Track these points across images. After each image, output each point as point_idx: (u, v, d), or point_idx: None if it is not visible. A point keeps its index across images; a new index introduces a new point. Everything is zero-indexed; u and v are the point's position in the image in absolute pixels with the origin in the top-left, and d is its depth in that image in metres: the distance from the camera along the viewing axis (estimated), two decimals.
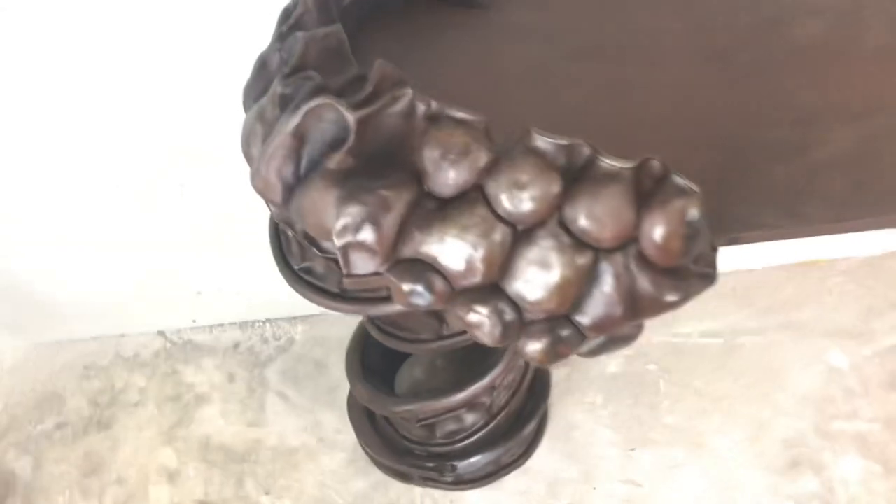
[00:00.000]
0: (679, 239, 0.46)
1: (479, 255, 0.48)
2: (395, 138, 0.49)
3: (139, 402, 1.29)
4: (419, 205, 0.49)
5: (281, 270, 0.68)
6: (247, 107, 0.60)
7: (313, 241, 0.58)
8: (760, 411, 1.13)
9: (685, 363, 1.19)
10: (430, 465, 1.07)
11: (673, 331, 1.21)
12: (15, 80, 0.89)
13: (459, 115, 0.48)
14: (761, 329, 1.21)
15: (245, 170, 0.60)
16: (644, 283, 0.48)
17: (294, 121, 0.50)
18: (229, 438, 1.22)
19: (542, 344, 0.50)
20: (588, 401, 1.17)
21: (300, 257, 0.67)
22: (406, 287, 0.50)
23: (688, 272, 0.49)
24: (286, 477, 1.16)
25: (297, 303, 0.80)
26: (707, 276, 0.50)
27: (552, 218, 0.47)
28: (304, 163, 0.52)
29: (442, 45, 0.65)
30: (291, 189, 0.52)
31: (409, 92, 0.48)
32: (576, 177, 0.47)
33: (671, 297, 0.49)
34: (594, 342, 0.52)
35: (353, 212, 0.48)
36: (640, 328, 0.53)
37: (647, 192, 0.46)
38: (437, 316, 0.78)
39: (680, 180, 0.46)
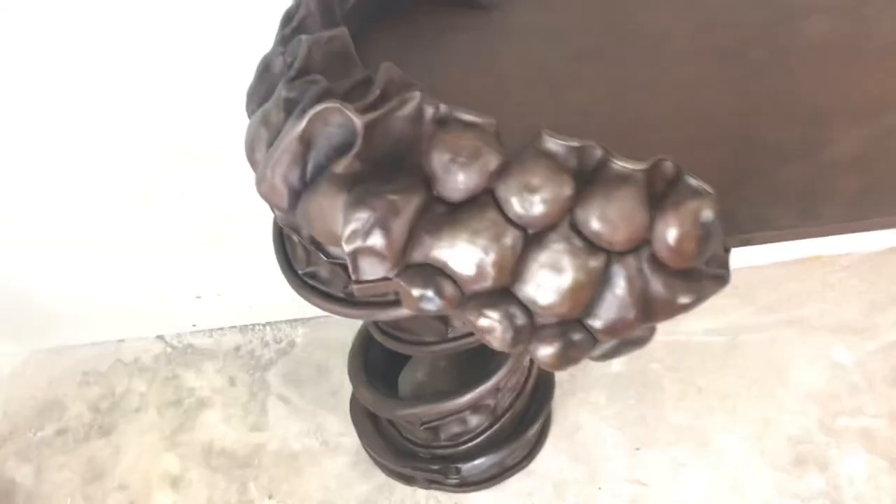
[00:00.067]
0: (693, 241, 0.45)
1: (489, 259, 0.47)
2: (402, 142, 0.49)
3: (140, 407, 1.28)
4: (428, 209, 0.48)
5: (285, 275, 0.67)
6: (250, 111, 0.59)
7: (320, 247, 0.58)
8: (765, 409, 1.12)
9: (689, 361, 1.18)
10: (435, 467, 1.06)
11: (676, 329, 1.21)
12: (15, 80, 0.88)
13: (468, 117, 0.47)
14: (765, 326, 1.21)
15: (245, 171, 0.59)
16: (657, 285, 0.47)
17: (300, 125, 0.49)
18: (232, 443, 1.21)
19: (554, 348, 0.50)
20: (592, 401, 1.17)
21: (305, 262, 0.66)
22: (416, 292, 0.49)
23: (701, 274, 0.48)
24: (289, 481, 1.16)
25: (297, 305, 0.80)
26: (720, 277, 0.49)
27: (564, 221, 0.47)
28: (310, 168, 0.51)
29: (445, 46, 0.65)
30: (298, 194, 0.52)
31: (417, 95, 0.48)
32: (587, 179, 0.46)
33: (684, 300, 0.48)
34: (606, 346, 0.51)
35: (361, 217, 0.48)
36: (652, 331, 0.52)
37: (659, 194, 0.46)
38: (442, 318, 0.78)
39: (693, 181, 0.45)
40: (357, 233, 0.48)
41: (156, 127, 0.96)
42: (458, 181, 0.47)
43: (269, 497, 1.14)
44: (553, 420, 1.15)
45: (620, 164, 0.46)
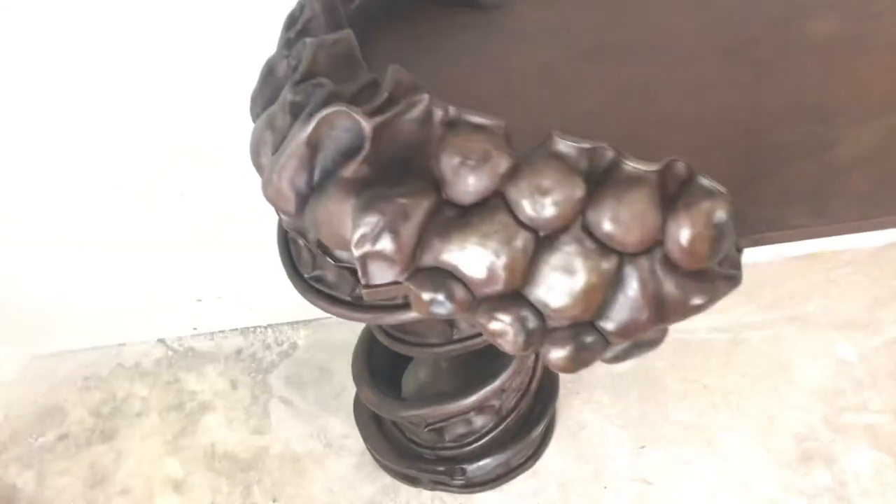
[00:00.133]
0: (706, 241, 0.45)
1: (501, 262, 0.47)
2: (411, 145, 0.48)
3: (141, 411, 1.27)
4: (438, 212, 0.48)
5: (291, 279, 0.67)
6: (254, 114, 0.58)
7: (327, 251, 0.57)
8: (769, 406, 1.12)
9: (692, 359, 1.18)
10: (440, 468, 1.06)
11: (679, 326, 1.19)
12: (15, 80, 0.88)
13: (478, 120, 0.47)
14: (768, 323, 1.21)
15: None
16: (670, 286, 0.47)
17: (307, 129, 0.49)
18: (234, 446, 1.21)
19: (566, 351, 0.49)
20: (596, 400, 1.17)
21: (311, 265, 0.65)
22: (426, 296, 0.49)
23: (713, 274, 0.48)
24: (293, 484, 1.15)
25: (298, 307, 0.79)
26: (732, 277, 0.49)
27: (575, 223, 0.46)
28: (317, 172, 0.50)
29: (449, 47, 0.64)
30: (305, 199, 0.51)
31: (425, 97, 0.47)
32: (599, 180, 0.46)
33: (697, 300, 0.48)
34: (618, 348, 0.51)
35: (370, 221, 0.47)
36: (664, 332, 0.52)
37: (671, 195, 0.45)
38: (448, 321, 0.77)
39: (706, 181, 0.45)
40: (366, 237, 0.47)
41: (156, 127, 0.96)
42: (469, 184, 0.47)
43: (273, 500, 1.14)
44: (557, 420, 1.15)
45: (632, 166, 0.45)
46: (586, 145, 0.45)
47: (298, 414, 1.23)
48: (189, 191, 1.06)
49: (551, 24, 0.65)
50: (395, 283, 0.49)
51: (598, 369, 1.19)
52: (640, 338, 0.51)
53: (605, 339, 0.49)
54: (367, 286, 0.50)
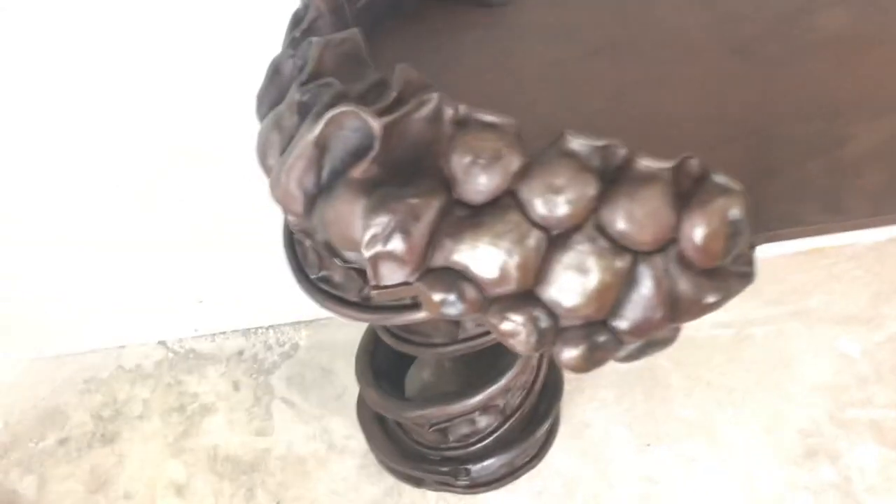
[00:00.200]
0: (721, 239, 0.45)
1: (513, 261, 0.46)
2: (421, 145, 0.48)
3: (143, 414, 1.26)
4: (449, 212, 0.47)
5: (297, 280, 0.66)
6: (260, 114, 0.58)
7: (335, 252, 0.57)
8: (774, 402, 1.12)
9: (696, 355, 1.18)
10: (444, 469, 1.05)
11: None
12: (15, 80, 0.87)
13: (489, 118, 0.46)
14: (771, 318, 1.20)
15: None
16: (684, 284, 0.47)
17: (315, 129, 0.48)
18: (237, 448, 1.20)
19: (579, 351, 0.49)
20: (600, 398, 1.16)
21: (317, 266, 0.65)
22: (438, 297, 0.48)
23: (727, 272, 0.48)
24: (297, 486, 1.15)
25: (300, 308, 0.79)
26: (746, 274, 0.49)
27: (588, 221, 0.46)
28: (325, 172, 0.50)
29: (456, 45, 0.64)
30: (313, 199, 0.51)
31: (435, 96, 0.47)
32: (612, 178, 0.45)
33: (711, 298, 0.48)
34: (631, 346, 0.51)
35: (381, 221, 0.47)
36: (677, 331, 0.51)
37: (685, 192, 0.45)
38: (454, 320, 0.77)
39: (721, 178, 0.44)
40: (377, 237, 0.47)
41: (156, 127, 0.95)
42: (480, 183, 0.46)
43: (277, 502, 1.13)
44: (561, 418, 1.14)
45: (645, 163, 0.45)
46: (599, 143, 0.45)
47: (301, 415, 1.22)
48: (190, 191, 1.06)
49: (559, 22, 0.64)
50: (406, 283, 0.49)
51: (603, 367, 1.18)
52: (654, 336, 0.50)
53: (617, 339, 0.49)
54: (378, 287, 0.49)
